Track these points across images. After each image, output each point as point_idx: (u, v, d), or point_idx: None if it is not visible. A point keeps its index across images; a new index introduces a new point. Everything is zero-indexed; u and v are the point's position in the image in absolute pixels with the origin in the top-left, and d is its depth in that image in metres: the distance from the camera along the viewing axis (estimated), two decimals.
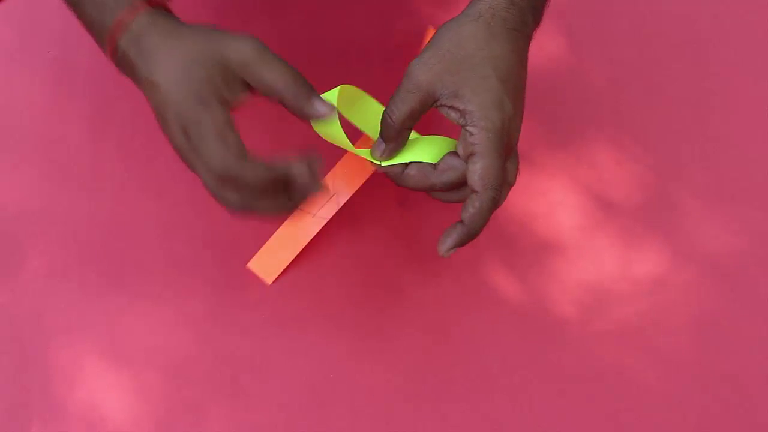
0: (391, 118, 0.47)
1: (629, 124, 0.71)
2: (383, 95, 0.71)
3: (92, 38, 0.50)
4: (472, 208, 0.46)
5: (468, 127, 0.46)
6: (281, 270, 0.64)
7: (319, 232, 0.63)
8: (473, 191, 0.46)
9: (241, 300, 0.64)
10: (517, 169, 0.50)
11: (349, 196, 0.62)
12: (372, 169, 0.62)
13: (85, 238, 0.66)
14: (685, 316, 0.65)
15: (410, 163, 0.48)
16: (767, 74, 0.74)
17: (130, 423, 0.61)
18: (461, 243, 0.47)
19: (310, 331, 0.64)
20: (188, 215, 0.67)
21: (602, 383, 0.63)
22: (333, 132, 0.49)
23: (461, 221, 0.47)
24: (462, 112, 0.46)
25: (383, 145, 0.49)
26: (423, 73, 0.47)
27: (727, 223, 0.68)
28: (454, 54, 0.47)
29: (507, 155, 0.47)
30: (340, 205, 0.62)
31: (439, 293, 0.65)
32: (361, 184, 0.63)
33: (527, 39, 0.49)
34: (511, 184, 0.50)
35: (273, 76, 0.47)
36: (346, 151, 0.60)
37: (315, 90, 0.48)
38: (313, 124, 0.50)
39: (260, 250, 0.64)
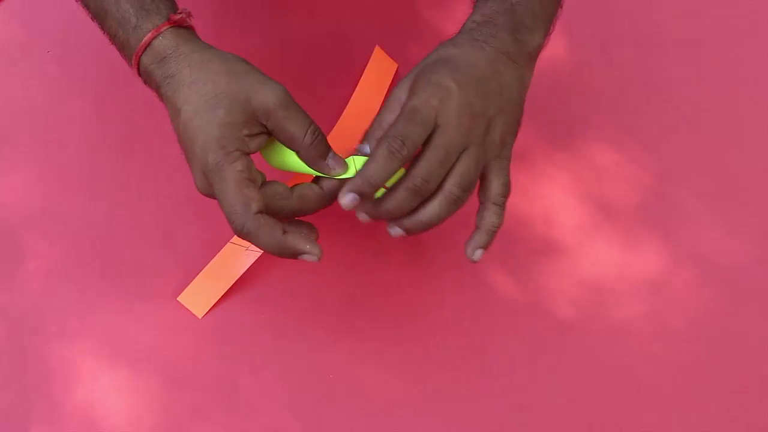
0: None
1: (629, 125, 0.71)
2: None
3: (109, 45, 0.52)
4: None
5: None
6: (212, 304, 0.63)
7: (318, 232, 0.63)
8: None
9: (240, 301, 0.64)
10: (504, 185, 0.50)
11: None
12: None
13: (85, 239, 0.66)
14: (685, 318, 0.65)
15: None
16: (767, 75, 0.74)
17: (128, 423, 0.61)
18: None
19: (309, 332, 0.64)
20: (188, 215, 0.67)
21: (602, 384, 0.63)
22: (290, 162, 0.50)
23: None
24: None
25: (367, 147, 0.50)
26: (401, 90, 0.49)
27: (727, 224, 0.68)
28: (419, 67, 0.49)
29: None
30: None
31: (438, 294, 0.65)
32: None
33: (498, 52, 0.50)
34: (498, 204, 0.49)
35: (294, 129, 0.48)
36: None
37: (330, 147, 0.49)
38: (264, 155, 0.51)
39: (190, 284, 0.63)
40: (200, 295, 0.63)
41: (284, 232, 0.47)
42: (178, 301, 0.63)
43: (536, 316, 0.64)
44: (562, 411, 0.62)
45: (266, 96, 0.47)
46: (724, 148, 0.71)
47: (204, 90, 0.47)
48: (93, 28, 0.74)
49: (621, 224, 0.68)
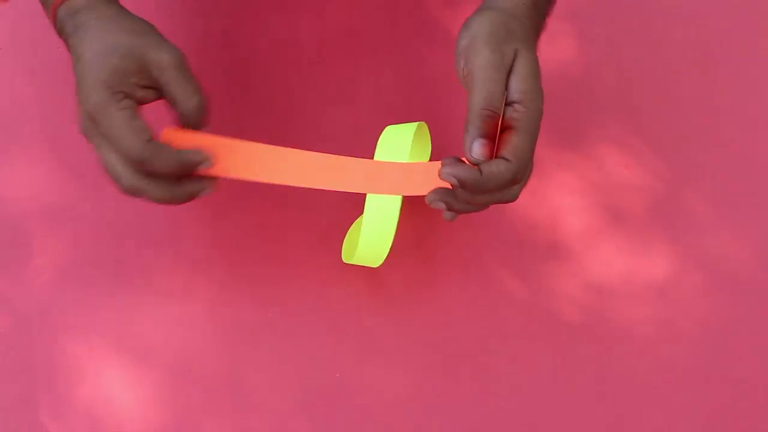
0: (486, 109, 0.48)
1: (639, 128, 0.71)
2: (389, 93, 0.71)
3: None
4: (495, 166, 0.46)
5: (515, 105, 0.47)
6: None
7: (324, 233, 0.63)
8: (503, 159, 0.46)
9: (247, 299, 0.64)
10: (530, 170, 0.52)
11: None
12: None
13: (93, 236, 0.66)
14: (692, 322, 0.65)
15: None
16: None
17: (135, 419, 0.61)
18: (458, 193, 0.48)
19: (316, 331, 0.64)
20: (196, 212, 0.67)
21: (608, 387, 0.63)
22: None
23: (478, 171, 0.46)
24: (512, 89, 0.47)
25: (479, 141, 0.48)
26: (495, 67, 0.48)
27: (737, 229, 0.68)
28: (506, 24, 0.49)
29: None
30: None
31: (445, 294, 0.65)
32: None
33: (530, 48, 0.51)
34: (523, 183, 0.51)
35: (181, 94, 0.50)
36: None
37: (207, 124, 0.51)
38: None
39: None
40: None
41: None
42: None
43: (543, 319, 0.64)
44: (568, 413, 0.62)
45: (163, 54, 0.50)
46: (734, 151, 0.70)
47: (106, 40, 0.49)
48: None
49: (629, 227, 0.68)
